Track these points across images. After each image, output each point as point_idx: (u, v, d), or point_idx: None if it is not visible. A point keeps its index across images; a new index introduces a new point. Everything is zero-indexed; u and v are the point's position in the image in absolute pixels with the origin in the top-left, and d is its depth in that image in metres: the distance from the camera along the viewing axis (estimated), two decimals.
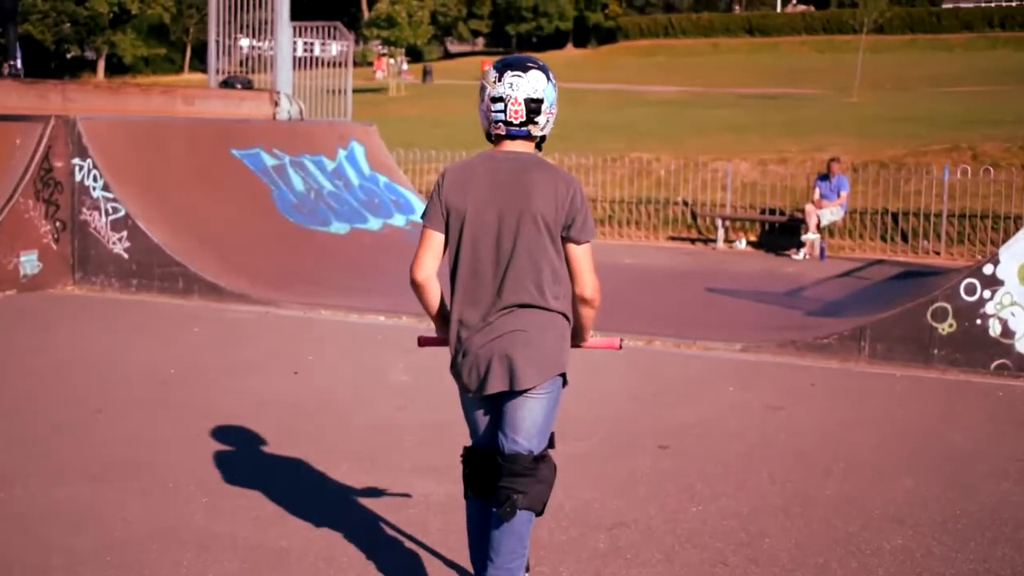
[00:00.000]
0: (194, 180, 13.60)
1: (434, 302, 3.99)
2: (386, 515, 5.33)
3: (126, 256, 12.33)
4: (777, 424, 7.27)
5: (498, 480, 3.91)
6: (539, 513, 3.95)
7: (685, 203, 19.70)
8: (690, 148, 21.71)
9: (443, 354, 4.16)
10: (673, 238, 19.32)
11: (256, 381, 8.12)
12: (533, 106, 3.86)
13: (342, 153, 16.58)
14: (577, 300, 3.93)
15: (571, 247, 3.89)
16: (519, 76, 3.85)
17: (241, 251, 13.05)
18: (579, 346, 4.10)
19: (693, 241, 19.14)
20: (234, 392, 7.75)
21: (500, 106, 3.87)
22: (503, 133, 3.91)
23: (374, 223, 15.76)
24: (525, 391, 3.86)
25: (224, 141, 14.56)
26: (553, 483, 3.97)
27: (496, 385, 3.86)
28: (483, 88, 3.91)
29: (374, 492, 5.60)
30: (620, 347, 4.26)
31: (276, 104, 17.03)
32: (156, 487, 5.70)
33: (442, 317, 4.04)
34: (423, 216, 3.96)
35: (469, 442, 4.15)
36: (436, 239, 3.94)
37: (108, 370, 8.44)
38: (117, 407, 7.30)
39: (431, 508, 5.43)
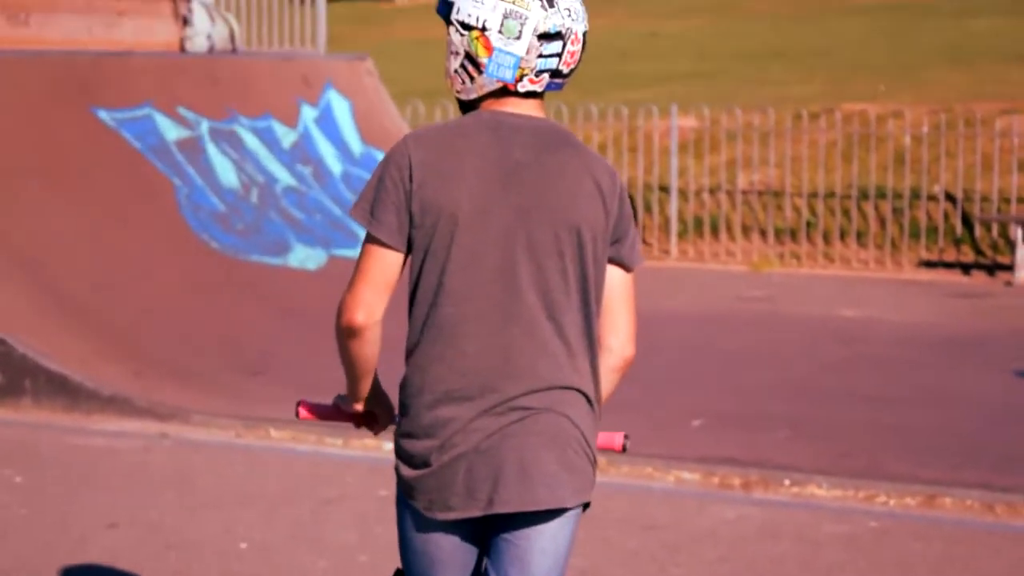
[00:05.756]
0: (26, 169, 13.82)
1: (371, 360, 4.51)
2: None
3: None
4: None
5: None
6: None
7: (949, 197, 19.90)
8: (946, 92, 21.97)
9: None
10: (929, 264, 19.61)
11: None
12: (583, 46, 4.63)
13: (309, 114, 17.04)
14: (609, 360, 4.55)
15: (614, 274, 4.52)
16: None
17: (116, 308, 13.16)
18: None
19: (967, 269, 19.35)
20: None
21: (555, 47, 4.40)
22: (536, 88, 4.44)
23: None
24: (553, 511, 4.40)
25: (84, 94, 14.87)
26: None
27: (514, 501, 4.34)
28: (510, 15, 4.36)
29: None
30: (623, 449, 4.75)
31: (186, 22, 17.17)
32: None
33: (372, 385, 4.60)
34: (371, 215, 4.37)
35: None
36: (389, 261, 4.36)
37: None
38: None
39: None
